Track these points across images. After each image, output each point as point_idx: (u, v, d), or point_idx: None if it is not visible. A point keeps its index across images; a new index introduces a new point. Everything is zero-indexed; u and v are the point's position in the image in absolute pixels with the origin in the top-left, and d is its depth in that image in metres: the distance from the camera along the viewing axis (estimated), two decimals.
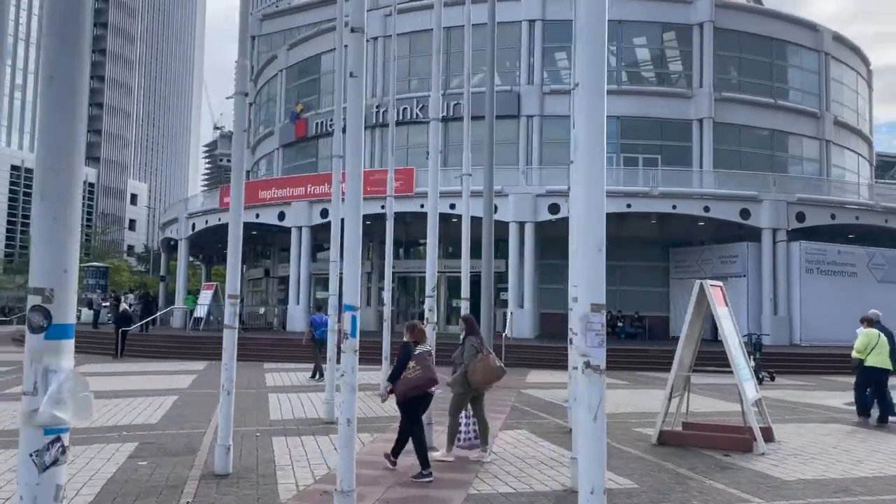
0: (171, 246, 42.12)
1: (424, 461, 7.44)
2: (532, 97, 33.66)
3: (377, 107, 35.56)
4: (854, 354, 12.31)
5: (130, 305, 29.30)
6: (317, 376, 18.10)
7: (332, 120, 37.50)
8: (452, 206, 25.69)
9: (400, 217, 27.46)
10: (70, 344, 2.50)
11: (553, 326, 30.15)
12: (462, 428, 8.60)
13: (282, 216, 32.12)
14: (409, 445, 7.65)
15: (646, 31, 35.14)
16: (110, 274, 49.51)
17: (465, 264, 13.04)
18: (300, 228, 31.66)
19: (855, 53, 39.61)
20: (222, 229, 36.43)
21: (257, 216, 32.63)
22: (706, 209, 28.33)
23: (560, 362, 23.02)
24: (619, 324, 30.78)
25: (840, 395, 15.61)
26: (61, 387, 2.41)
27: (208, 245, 43.28)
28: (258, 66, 47.39)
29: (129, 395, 13.83)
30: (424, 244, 36.61)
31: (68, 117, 2.53)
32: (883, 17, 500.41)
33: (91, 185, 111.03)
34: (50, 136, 2.52)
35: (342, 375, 5.88)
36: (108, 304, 34.14)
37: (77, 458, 8.29)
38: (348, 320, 5.90)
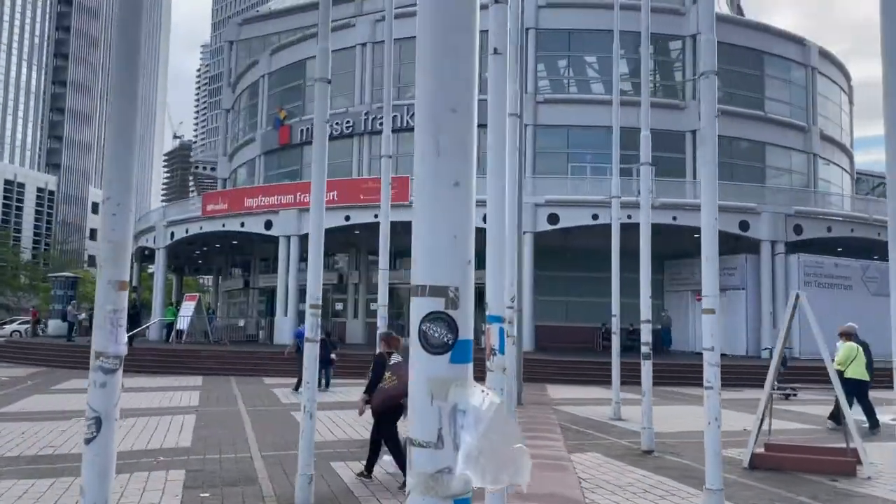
0: (144, 256, 40.51)
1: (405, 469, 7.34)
2: (526, 106, 33.07)
3: (366, 114, 34.69)
4: (835, 366, 12.54)
5: None
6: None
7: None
8: None
9: (392, 226, 26.59)
10: (471, 369, 1.69)
11: (548, 339, 29.52)
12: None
13: (268, 225, 30.90)
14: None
15: (638, 42, 34.90)
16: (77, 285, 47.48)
17: (509, 272, 12.32)
18: (288, 238, 30.47)
19: (838, 69, 40.01)
20: (199, 239, 35.36)
21: (242, 225, 31.43)
22: None
23: (570, 376, 22.40)
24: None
25: (882, 411, 15.16)
26: (479, 436, 1.60)
27: (183, 255, 41.79)
28: (236, 72, 46.16)
29: (140, 415, 12.72)
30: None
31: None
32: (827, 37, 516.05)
33: (51, 192, 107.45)
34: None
35: None
36: (82, 316, 32.53)
37: (126, 488, 7.33)
38: (496, 333, 5.12)
